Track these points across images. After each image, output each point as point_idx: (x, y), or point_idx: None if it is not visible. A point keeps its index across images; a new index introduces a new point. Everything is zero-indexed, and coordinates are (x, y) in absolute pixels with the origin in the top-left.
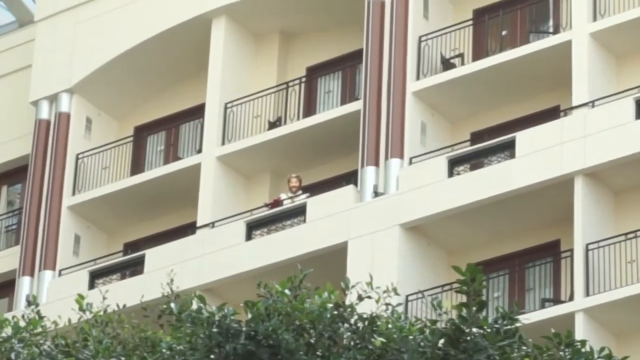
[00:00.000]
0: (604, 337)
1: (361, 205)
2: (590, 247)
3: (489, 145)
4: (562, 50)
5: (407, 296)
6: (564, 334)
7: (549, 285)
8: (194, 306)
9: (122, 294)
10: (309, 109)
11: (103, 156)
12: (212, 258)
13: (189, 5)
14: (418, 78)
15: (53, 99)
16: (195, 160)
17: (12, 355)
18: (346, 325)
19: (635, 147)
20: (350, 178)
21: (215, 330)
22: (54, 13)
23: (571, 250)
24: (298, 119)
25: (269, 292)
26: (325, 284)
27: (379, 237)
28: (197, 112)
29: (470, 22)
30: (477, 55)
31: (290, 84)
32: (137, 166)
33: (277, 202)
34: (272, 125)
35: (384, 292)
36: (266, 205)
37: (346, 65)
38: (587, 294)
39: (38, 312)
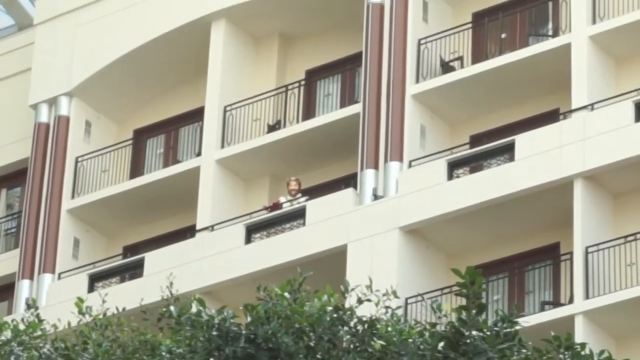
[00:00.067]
0: (604, 339)
1: (360, 208)
2: (590, 250)
3: (489, 148)
4: (562, 53)
5: (406, 299)
6: (563, 336)
7: (548, 288)
8: (194, 309)
9: (122, 297)
10: (309, 112)
11: (102, 159)
12: (211, 261)
13: (188, 8)
14: (417, 81)
15: (52, 102)
16: (194, 164)
17: (12, 359)
18: (346, 328)
19: (634, 150)
20: (350, 181)
21: (214, 333)
22: (53, 16)
23: (571, 253)
24: (297, 122)
25: (269, 295)
26: (325, 287)
27: (378, 240)
28: (196, 115)
29: (470, 25)
30: (477, 58)
31: (290, 87)
32: (136, 169)
33: (277, 206)
34: (272, 128)
35: (384, 295)
36: (265, 208)
37: (345, 68)
38: (587, 297)
39: (37, 316)
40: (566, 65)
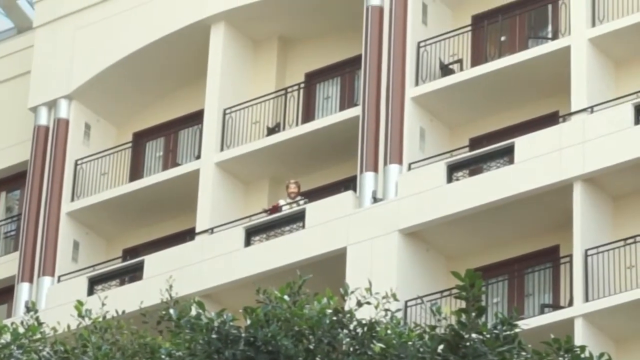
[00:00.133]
0: (604, 342)
1: (360, 211)
2: (590, 252)
3: (488, 151)
4: (561, 56)
5: (406, 302)
6: (563, 339)
7: (548, 291)
8: (193, 312)
9: (121, 300)
10: (308, 115)
11: (102, 162)
12: (211, 264)
13: (187, 11)
14: (417, 84)
15: (52, 105)
16: (194, 166)
17: None
18: (345, 331)
19: (634, 152)
20: (349, 184)
21: (214, 336)
22: (52, 19)
23: (570, 256)
24: (297, 124)
25: (268, 298)
26: (325, 289)
27: (378, 243)
28: (195, 118)
29: (469, 28)
30: (476, 61)
31: (289, 89)
32: (135, 172)
33: (276, 208)
34: (271, 131)
35: (383, 297)
36: (265, 211)
37: (345, 71)
38: (587, 300)
39: (37, 319)
40: (566, 67)
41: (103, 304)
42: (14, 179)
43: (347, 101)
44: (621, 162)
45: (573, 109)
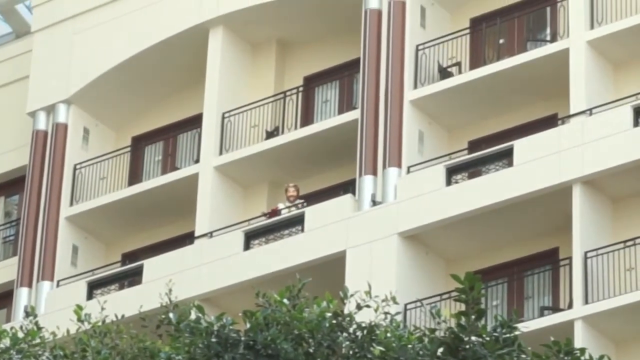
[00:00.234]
0: (603, 345)
1: (359, 214)
2: (589, 255)
3: (487, 154)
4: (560, 59)
5: (405, 305)
6: (563, 342)
7: (547, 294)
8: (193, 316)
9: (121, 304)
10: (307, 119)
11: (101, 167)
12: (210, 268)
13: (186, 16)
14: (415, 87)
15: (50, 109)
16: (192, 170)
17: None
18: (345, 334)
19: (633, 154)
20: (348, 187)
21: (214, 340)
22: (50, 24)
23: (570, 258)
24: (295, 128)
25: (268, 301)
26: (324, 293)
27: (377, 246)
28: (194, 122)
29: (468, 31)
30: (475, 63)
31: (288, 93)
32: (134, 176)
33: (275, 212)
34: (270, 134)
35: (383, 301)
36: (264, 214)
37: (343, 74)
38: (586, 302)
39: (36, 323)
40: (564, 70)
41: (102, 309)
42: (12, 184)
43: (345, 104)
44: (620, 164)
45: (572, 112)
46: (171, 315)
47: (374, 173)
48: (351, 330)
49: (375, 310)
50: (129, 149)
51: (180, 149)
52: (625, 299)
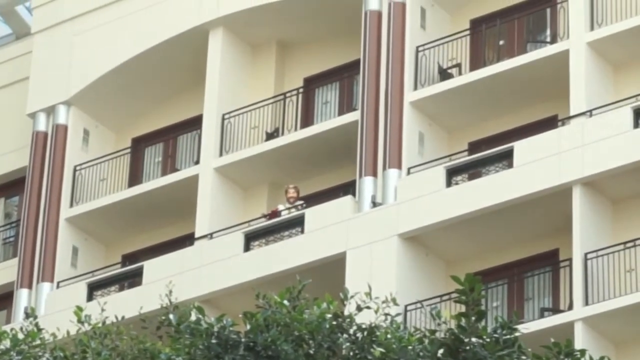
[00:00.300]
0: (604, 346)
1: (359, 216)
2: (589, 256)
3: (487, 155)
4: (560, 60)
5: (406, 306)
6: (563, 343)
7: (548, 295)
8: (193, 317)
9: (121, 305)
10: (307, 120)
11: (100, 168)
12: (210, 269)
13: (186, 17)
14: (415, 88)
15: (50, 111)
16: (192, 172)
17: None
18: (345, 335)
19: (633, 156)
20: (348, 188)
21: (214, 341)
22: (50, 25)
23: (570, 260)
24: (295, 129)
25: (268, 302)
26: (324, 294)
27: (377, 248)
28: (194, 124)
29: (468, 32)
30: (475, 65)
31: (288, 94)
32: (134, 178)
33: (275, 213)
34: (270, 136)
35: (383, 302)
36: (264, 216)
37: (343, 75)
38: (586, 303)
39: (36, 324)
40: (564, 71)
41: (102, 310)
42: (12, 185)
43: (345, 106)
44: (620, 165)
45: (572, 113)
46: (171, 316)
47: (374, 174)
48: (351, 331)
49: (376, 312)
50: (129, 150)
51: (180, 151)
52: (626, 300)
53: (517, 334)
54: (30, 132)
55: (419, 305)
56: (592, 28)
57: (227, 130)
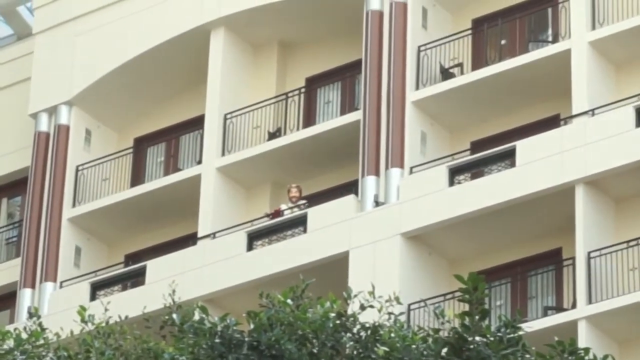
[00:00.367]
0: (607, 344)
1: (362, 215)
2: (592, 255)
3: (489, 154)
4: (562, 59)
5: (409, 305)
6: (567, 341)
7: (551, 294)
8: (196, 317)
9: (124, 305)
10: (309, 120)
11: (103, 168)
12: (213, 269)
13: (187, 17)
14: (417, 88)
15: (52, 111)
16: (195, 172)
17: None
18: (349, 334)
19: (635, 155)
20: (351, 188)
21: (217, 340)
22: (52, 26)
23: (573, 259)
24: (298, 129)
25: (271, 302)
26: (327, 293)
27: (380, 247)
28: (196, 123)
29: (469, 32)
30: (477, 64)
31: (290, 94)
32: (137, 178)
33: (278, 213)
34: (272, 135)
35: (386, 301)
36: (267, 215)
37: (345, 75)
38: (590, 302)
39: (40, 324)
40: (566, 71)
41: (106, 309)
42: (15, 185)
43: (347, 105)
44: (623, 164)
45: (574, 112)
46: (175, 316)
47: (377, 174)
48: (355, 330)
49: (379, 311)
50: (131, 150)
51: (182, 150)
52: (629, 299)
53: (520, 332)
54: (33, 132)
55: (422, 304)
56: (593, 27)
57: (229, 130)
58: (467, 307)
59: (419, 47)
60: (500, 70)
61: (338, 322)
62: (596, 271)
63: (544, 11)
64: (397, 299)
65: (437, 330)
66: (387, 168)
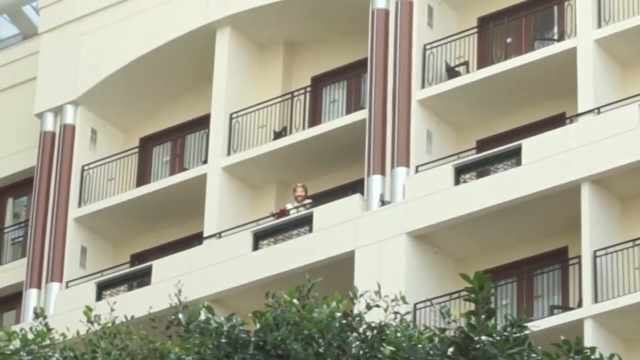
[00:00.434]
0: (613, 343)
1: (368, 214)
2: (598, 253)
3: (495, 153)
4: (567, 57)
5: (415, 304)
6: (573, 341)
7: (557, 293)
8: (202, 317)
9: (130, 305)
10: (314, 119)
11: (108, 167)
12: (219, 268)
13: (193, 16)
14: (423, 86)
15: (58, 111)
16: (201, 171)
17: None
18: (355, 334)
19: None
20: (357, 187)
21: (223, 340)
22: (57, 25)
23: (579, 257)
24: (303, 128)
25: (277, 301)
26: (333, 293)
27: (386, 246)
28: (202, 123)
29: (475, 30)
30: (482, 63)
31: (295, 93)
32: (142, 177)
33: (284, 212)
34: (278, 135)
35: (392, 300)
36: (273, 215)
37: (351, 74)
38: (596, 301)
39: (46, 325)
40: (572, 69)
41: (112, 310)
42: (20, 185)
43: (353, 104)
44: (629, 163)
45: (580, 111)
46: (181, 316)
47: (382, 173)
48: (361, 330)
49: (385, 310)
50: (136, 149)
51: (188, 150)
52: (635, 298)
53: (526, 331)
54: (38, 132)
55: (428, 303)
56: (599, 25)
57: (234, 130)
58: (473, 307)
59: (425, 45)
60: (506, 68)
61: (344, 321)
62: (602, 270)
63: (549, 9)
64: (403, 299)
65: (443, 330)
66: (392, 167)
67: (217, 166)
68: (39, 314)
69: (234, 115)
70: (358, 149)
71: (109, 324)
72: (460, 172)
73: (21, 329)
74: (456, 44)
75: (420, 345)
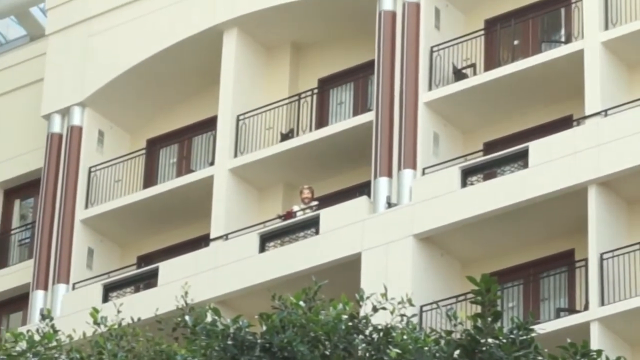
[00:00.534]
0: (620, 346)
1: (374, 216)
2: (605, 256)
3: (502, 155)
4: (574, 60)
5: (421, 307)
6: (579, 343)
7: (563, 295)
8: (209, 319)
9: (137, 307)
10: (321, 121)
11: (115, 169)
12: (226, 270)
13: (200, 18)
14: (430, 88)
15: (65, 112)
16: (207, 173)
17: None
18: (361, 336)
19: None
20: (363, 189)
21: (230, 342)
22: (65, 26)
23: (586, 260)
24: (310, 130)
25: (284, 304)
26: (340, 295)
27: (392, 248)
28: (209, 125)
29: (482, 32)
30: (489, 65)
31: (302, 95)
32: (149, 179)
33: (290, 214)
34: (285, 137)
35: (399, 303)
36: (279, 217)
37: (358, 76)
38: (602, 304)
39: (52, 326)
40: (579, 71)
41: (118, 311)
42: (27, 187)
43: (360, 106)
44: (636, 165)
45: (587, 113)
46: (187, 318)
47: (389, 175)
48: (367, 332)
49: (391, 313)
50: (144, 151)
51: (195, 152)
52: None
53: (533, 334)
54: (45, 133)
55: (434, 306)
56: (606, 28)
57: (241, 131)
58: (479, 309)
59: (432, 47)
60: (513, 70)
61: (350, 324)
62: (609, 272)
63: (556, 11)
64: (409, 301)
65: (449, 332)
66: (399, 169)
67: (224, 168)
68: (46, 315)
69: (241, 117)
70: (365, 151)
71: (116, 326)
72: (467, 174)
73: (28, 331)
74: (463, 46)
75: (426, 348)
